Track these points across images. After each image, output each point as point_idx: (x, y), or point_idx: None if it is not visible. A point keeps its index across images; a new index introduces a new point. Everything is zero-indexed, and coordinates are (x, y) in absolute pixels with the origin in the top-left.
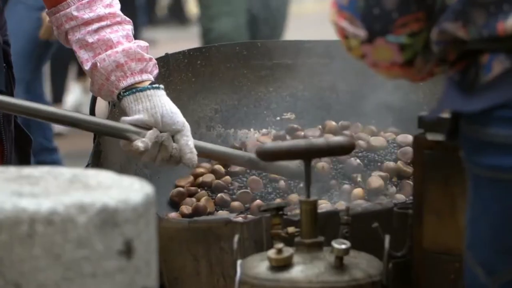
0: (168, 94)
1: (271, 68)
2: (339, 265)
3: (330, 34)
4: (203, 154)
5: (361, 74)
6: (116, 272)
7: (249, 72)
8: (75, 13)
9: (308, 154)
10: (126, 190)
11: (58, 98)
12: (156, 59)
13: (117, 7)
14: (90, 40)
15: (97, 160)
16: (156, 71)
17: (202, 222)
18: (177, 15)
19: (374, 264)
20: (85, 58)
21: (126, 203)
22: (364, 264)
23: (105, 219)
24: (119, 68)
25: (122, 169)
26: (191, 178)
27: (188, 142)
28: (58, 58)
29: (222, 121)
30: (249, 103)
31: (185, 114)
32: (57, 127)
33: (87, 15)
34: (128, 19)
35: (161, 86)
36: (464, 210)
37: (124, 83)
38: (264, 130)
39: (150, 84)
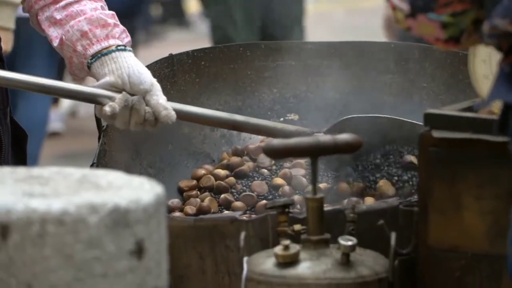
0: (172, 95)
1: (275, 69)
2: (346, 261)
3: (328, 34)
4: (182, 116)
5: (364, 75)
6: (127, 272)
7: (253, 73)
8: None
9: (315, 151)
10: (136, 190)
11: (54, 99)
12: (161, 60)
13: None
14: (58, 16)
15: (102, 160)
16: (127, 39)
17: (207, 220)
18: (174, 16)
19: (380, 261)
20: (54, 36)
21: (137, 203)
22: (370, 261)
23: (117, 220)
24: (84, 37)
25: (127, 169)
26: (194, 181)
27: (160, 101)
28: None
29: None
30: (252, 104)
31: None
32: (52, 127)
33: None
34: None
35: (128, 48)
36: (469, 207)
37: (91, 51)
38: None
39: (116, 47)
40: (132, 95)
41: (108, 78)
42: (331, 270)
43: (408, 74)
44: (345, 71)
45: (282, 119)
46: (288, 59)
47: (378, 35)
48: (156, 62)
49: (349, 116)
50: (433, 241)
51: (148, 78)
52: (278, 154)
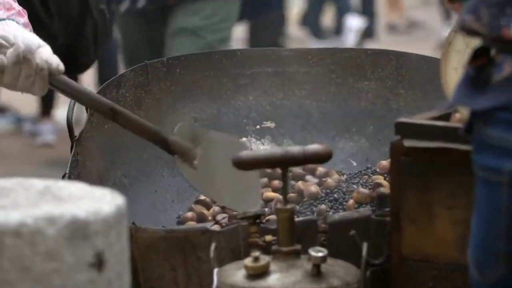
0: (147, 103)
1: (251, 76)
2: (316, 273)
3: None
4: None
5: (341, 82)
6: (87, 284)
7: (229, 80)
8: None
9: (285, 162)
10: (97, 201)
11: (46, 111)
12: (135, 67)
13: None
14: None
15: (75, 170)
16: (23, 19)
17: (179, 231)
18: None
19: (351, 272)
20: None
21: (96, 214)
22: (341, 272)
23: (75, 231)
24: None
25: (101, 179)
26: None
27: (53, 56)
28: None
29: None
30: (228, 112)
31: (164, 123)
32: (44, 139)
33: None
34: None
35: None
36: (441, 217)
37: None
38: (244, 139)
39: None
40: None
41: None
42: (301, 282)
43: (385, 81)
44: (322, 78)
45: (258, 126)
46: (264, 66)
47: None
48: (131, 70)
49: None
50: (405, 251)
51: (36, 40)
52: (247, 165)
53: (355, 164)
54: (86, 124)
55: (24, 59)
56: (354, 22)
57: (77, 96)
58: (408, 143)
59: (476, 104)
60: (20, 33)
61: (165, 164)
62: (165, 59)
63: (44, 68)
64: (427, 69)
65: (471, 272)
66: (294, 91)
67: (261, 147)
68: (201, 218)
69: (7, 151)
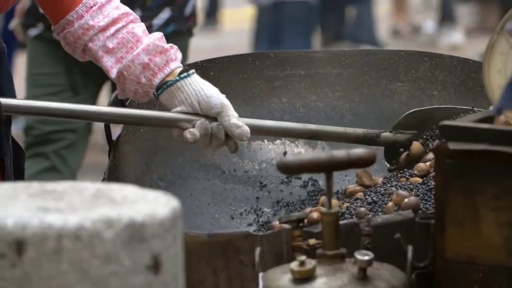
0: None
1: (284, 78)
2: (363, 276)
3: None
4: (255, 131)
5: (374, 83)
6: (143, 287)
7: (262, 83)
8: (90, 22)
9: (329, 166)
10: (152, 204)
11: None
12: None
13: (124, 7)
14: (110, 45)
15: (113, 174)
16: (180, 56)
17: (221, 236)
18: None
19: (397, 275)
20: (109, 65)
21: (153, 217)
22: (387, 275)
23: (133, 234)
24: (146, 69)
25: (137, 182)
26: None
27: (231, 120)
28: None
29: None
30: (262, 114)
31: None
32: None
33: (102, 21)
34: (137, 16)
35: (191, 71)
36: (486, 219)
37: (156, 81)
38: (277, 141)
39: (179, 74)
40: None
41: (179, 109)
42: (348, 285)
43: (418, 82)
44: (355, 79)
45: None
46: (297, 69)
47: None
48: None
49: (412, 111)
50: (450, 253)
51: (217, 101)
52: (292, 170)
53: (389, 165)
54: (123, 128)
55: (212, 136)
56: None
57: None
58: (453, 145)
59: None
60: (200, 96)
61: (200, 167)
62: (199, 62)
63: (231, 145)
64: (461, 70)
65: None
66: (327, 93)
67: (295, 150)
68: None
69: None
